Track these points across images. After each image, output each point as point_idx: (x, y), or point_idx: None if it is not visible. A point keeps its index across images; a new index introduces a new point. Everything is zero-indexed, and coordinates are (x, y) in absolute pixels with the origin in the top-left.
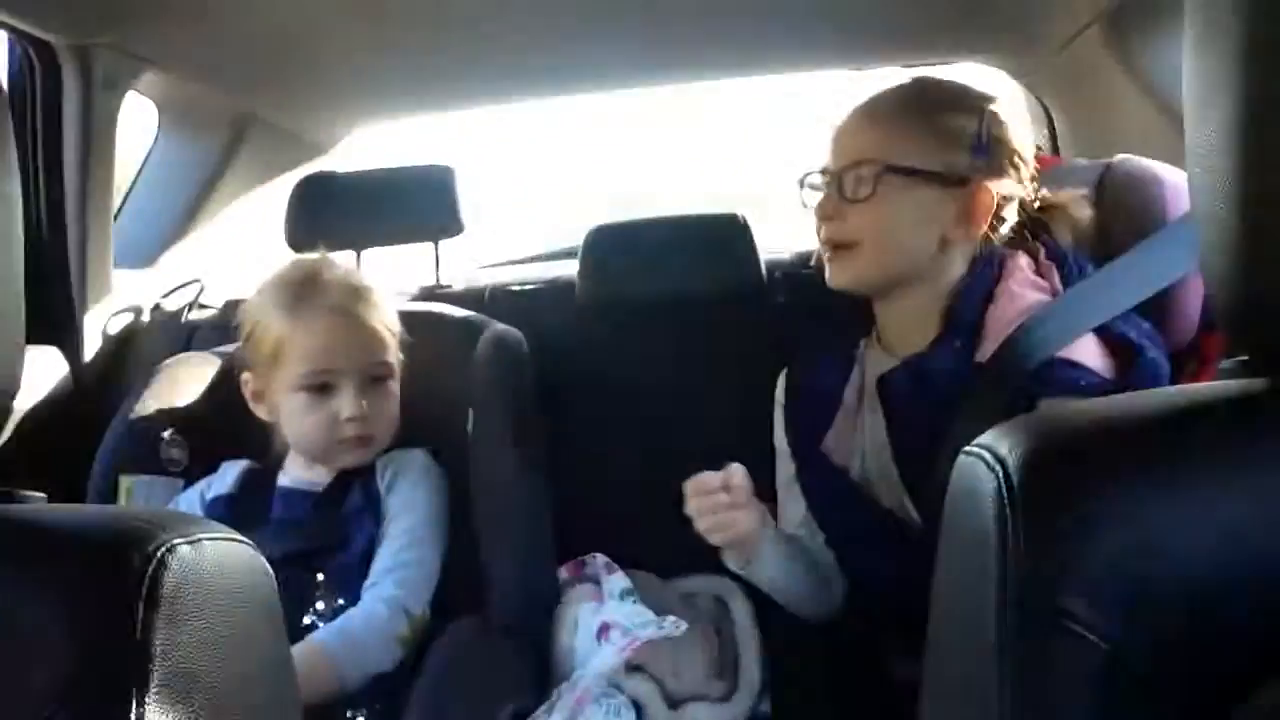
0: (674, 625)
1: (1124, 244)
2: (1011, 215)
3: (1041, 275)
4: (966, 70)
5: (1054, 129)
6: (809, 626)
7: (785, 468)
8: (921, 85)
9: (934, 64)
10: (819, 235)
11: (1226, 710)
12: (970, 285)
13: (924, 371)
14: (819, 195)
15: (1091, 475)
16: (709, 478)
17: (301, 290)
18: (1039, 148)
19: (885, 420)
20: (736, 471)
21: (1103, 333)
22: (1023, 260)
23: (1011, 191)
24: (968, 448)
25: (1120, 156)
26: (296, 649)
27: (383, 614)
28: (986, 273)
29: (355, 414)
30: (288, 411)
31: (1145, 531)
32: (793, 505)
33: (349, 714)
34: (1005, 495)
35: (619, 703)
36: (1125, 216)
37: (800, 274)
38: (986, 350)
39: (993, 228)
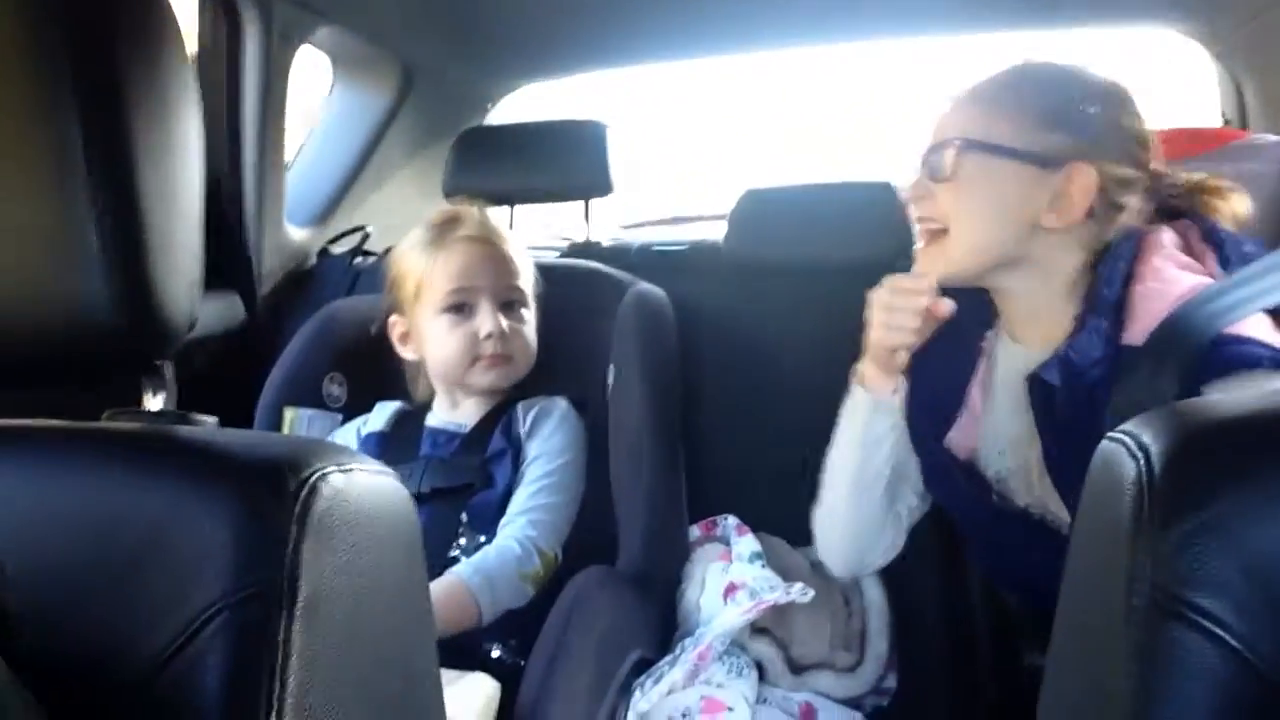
0: (800, 592)
1: None
2: (1133, 202)
3: (1194, 257)
4: (1154, 36)
5: (1243, 101)
6: (939, 605)
7: None
8: (1024, 66)
9: (1120, 27)
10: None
11: None
12: (1111, 263)
13: (1073, 364)
14: None
15: (1236, 472)
16: (914, 278)
17: (441, 228)
18: (1227, 121)
19: (1034, 417)
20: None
21: (1276, 314)
22: (1165, 236)
23: (1124, 176)
24: (1112, 433)
25: None
26: (438, 582)
27: (516, 551)
28: (1126, 248)
29: (494, 330)
30: (431, 337)
31: None
32: None
33: (485, 647)
34: (1145, 485)
35: (742, 662)
36: None
37: None
38: (1135, 332)
39: (1108, 214)
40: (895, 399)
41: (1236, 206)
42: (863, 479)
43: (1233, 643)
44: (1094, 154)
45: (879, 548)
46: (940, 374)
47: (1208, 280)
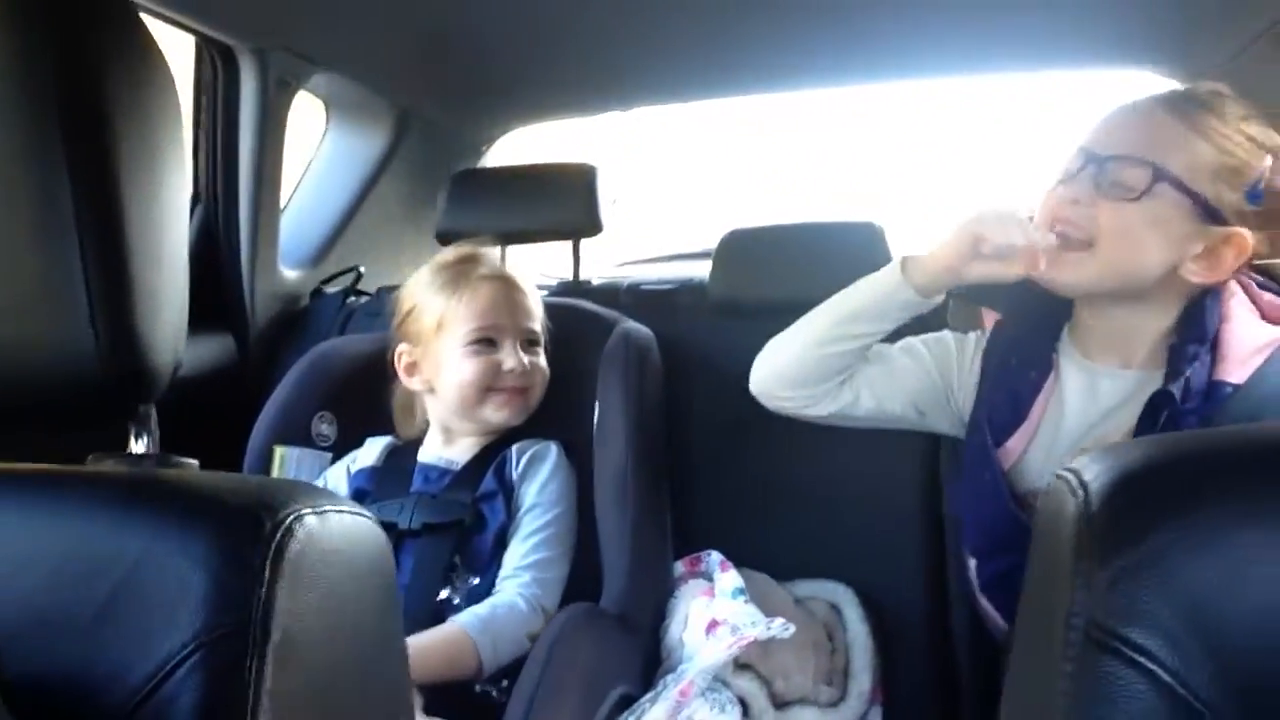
0: (782, 627)
1: None
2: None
3: (1256, 303)
4: (1133, 78)
5: None
6: (924, 637)
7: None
8: (1217, 100)
9: (1099, 70)
10: (1049, 216)
11: None
12: (1209, 300)
13: (1190, 389)
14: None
15: (1170, 509)
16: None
17: (461, 268)
18: None
19: (1136, 433)
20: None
21: None
22: (1234, 283)
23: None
24: (1060, 470)
25: None
26: (443, 630)
27: (524, 610)
28: (1216, 290)
29: (517, 366)
30: (452, 366)
31: (1224, 569)
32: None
33: (478, 688)
34: (1084, 522)
35: (724, 698)
36: None
37: None
38: (1224, 369)
39: None
40: (920, 301)
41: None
42: (834, 327)
43: (1164, 677)
44: (1253, 222)
45: (798, 390)
46: (1015, 386)
47: None
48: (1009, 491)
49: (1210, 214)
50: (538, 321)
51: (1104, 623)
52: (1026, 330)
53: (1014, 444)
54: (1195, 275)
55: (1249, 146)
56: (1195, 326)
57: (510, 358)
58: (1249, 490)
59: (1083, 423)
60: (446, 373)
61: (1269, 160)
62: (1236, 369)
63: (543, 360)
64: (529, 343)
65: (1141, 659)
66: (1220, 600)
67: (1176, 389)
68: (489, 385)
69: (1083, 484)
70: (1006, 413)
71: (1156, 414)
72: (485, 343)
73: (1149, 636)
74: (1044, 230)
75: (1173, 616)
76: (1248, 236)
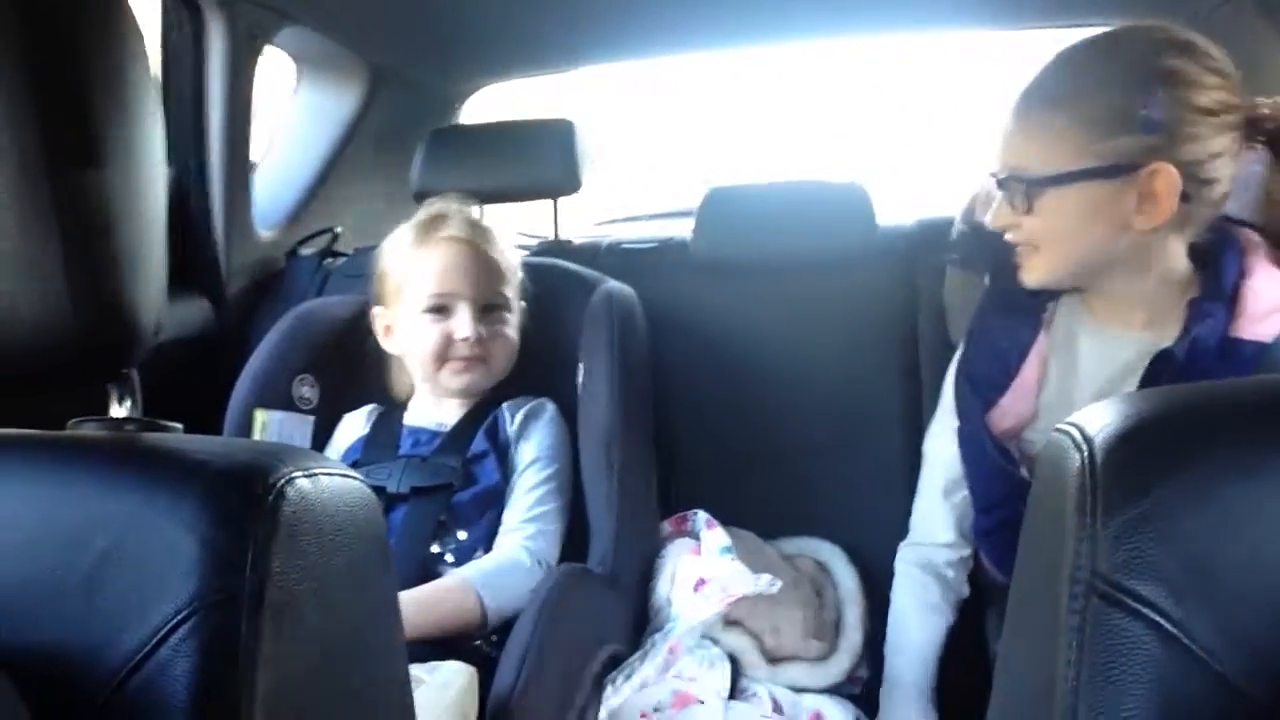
0: (769, 583)
1: None
2: (1226, 170)
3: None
4: None
5: None
6: None
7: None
8: (1069, 65)
9: (1080, 25)
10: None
11: None
12: (1225, 255)
13: (1198, 347)
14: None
15: (1174, 462)
16: None
17: (428, 226)
18: None
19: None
20: None
21: None
22: (1255, 236)
23: (1212, 151)
24: (1060, 424)
25: None
26: (446, 583)
27: (527, 565)
28: (1234, 242)
29: (469, 335)
30: (410, 333)
31: (1223, 520)
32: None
33: (467, 643)
34: (1088, 474)
35: (713, 654)
36: None
37: (918, 242)
38: (1242, 327)
39: (1202, 192)
40: None
41: None
42: None
43: (1169, 628)
44: (1171, 146)
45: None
46: (999, 343)
47: None
48: (1005, 449)
49: (1117, 170)
50: (506, 286)
51: (1109, 575)
52: (1010, 296)
53: (1011, 403)
54: (1144, 223)
55: (1111, 81)
56: (1214, 283)
57: (463, 327)
58: (1247, 443)
59: (1097, 386)
60: (408, 341)
61: (1149, 91)
62: (1255, 325)
63: (508, 329)
64: (490, 308)
65: (1146, 610)
66: (1219, 551)
67: (1180, 350)
68: (442, 355)
69: (1086, 437)
70: (984, 366)
71: (1157, 376)
72: (438, 310)
73: (1153, 588)
74: None
75: (1175, 568)
76: (1169, 166)
